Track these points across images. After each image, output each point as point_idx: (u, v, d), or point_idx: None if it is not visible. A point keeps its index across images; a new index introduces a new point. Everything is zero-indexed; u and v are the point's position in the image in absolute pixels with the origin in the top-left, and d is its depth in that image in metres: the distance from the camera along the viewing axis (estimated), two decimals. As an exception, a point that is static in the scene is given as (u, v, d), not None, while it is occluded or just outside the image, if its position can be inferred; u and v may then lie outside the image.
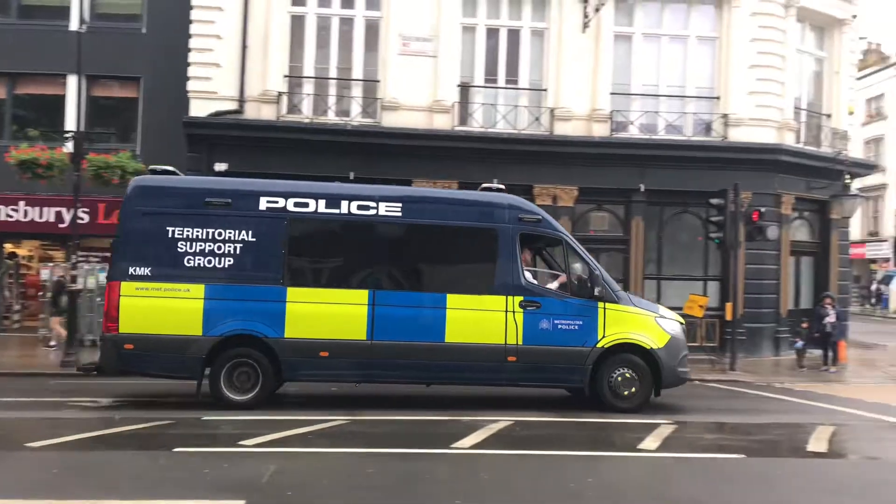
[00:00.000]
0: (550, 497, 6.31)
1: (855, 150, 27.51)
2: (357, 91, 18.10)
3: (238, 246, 10.15)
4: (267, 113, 17.54)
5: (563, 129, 18.19)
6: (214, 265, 10.12)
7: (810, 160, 19.10)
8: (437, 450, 7.84)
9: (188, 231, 10.10)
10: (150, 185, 10.62)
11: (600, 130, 18.26)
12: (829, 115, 20.35)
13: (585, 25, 18.11)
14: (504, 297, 10.35)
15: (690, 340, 13.62)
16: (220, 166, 16.79)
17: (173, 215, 10.19)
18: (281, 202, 10.36)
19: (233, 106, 17.40)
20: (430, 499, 6.23)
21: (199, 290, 10.02)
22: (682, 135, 18.37)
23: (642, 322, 10.81)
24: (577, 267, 11.06)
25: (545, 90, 18.44)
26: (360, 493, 6.31)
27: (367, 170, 16.57)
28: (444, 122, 17.91)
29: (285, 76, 17.76)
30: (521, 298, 10.38)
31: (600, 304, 10.59)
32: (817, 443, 8.66)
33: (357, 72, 18.06)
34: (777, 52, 18.76)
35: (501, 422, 9.32)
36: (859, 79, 38.33)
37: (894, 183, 43.53)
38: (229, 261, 10.14)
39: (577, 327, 10.53)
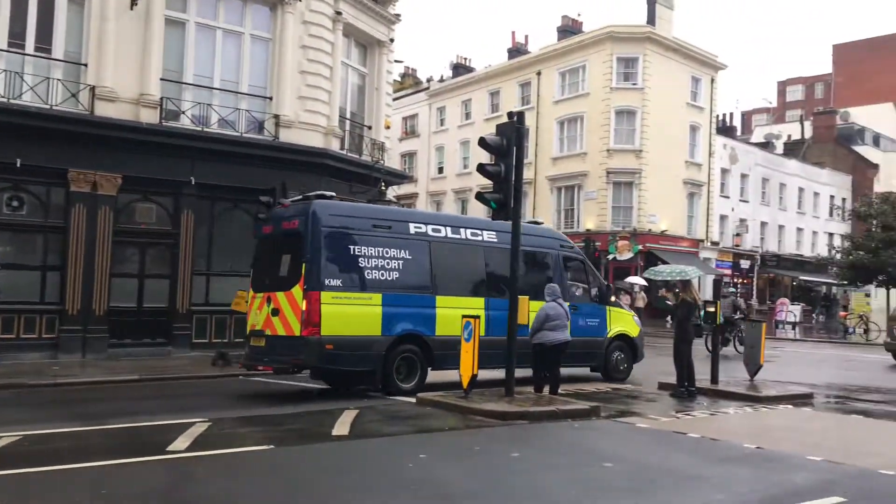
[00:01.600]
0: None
1: (392, 162, 30.86)
2: None
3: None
4: None
5: (106, 111, 16.70)
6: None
7: (353, 166, 20.75)
8: None
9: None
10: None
11: (149, 117, 17.23)
12: (370, 127, 22.41)
13: (133, 2, 16.90)
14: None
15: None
16: None
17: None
18: (423, 228, 13.13)
19: None
20: None
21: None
22: (235, 130, 18.34)
23: (627, 319, 15.93)
24: (593, 280, 15.57)
25: (85, 65, 16.70)
26: None
27: None
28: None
29: None
30: (569, 303, 13.21)
31: (608, 307, 15.40)
32: (341, 427, 9.32)
33: None
34: (325, 62, 19.96)
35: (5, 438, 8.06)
36: (397, 98, 43.38)
37: (423, 192, 50.27)
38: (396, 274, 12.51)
39: (597, 323, 15.06)
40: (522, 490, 6.75)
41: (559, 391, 12.19)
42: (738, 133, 58.76)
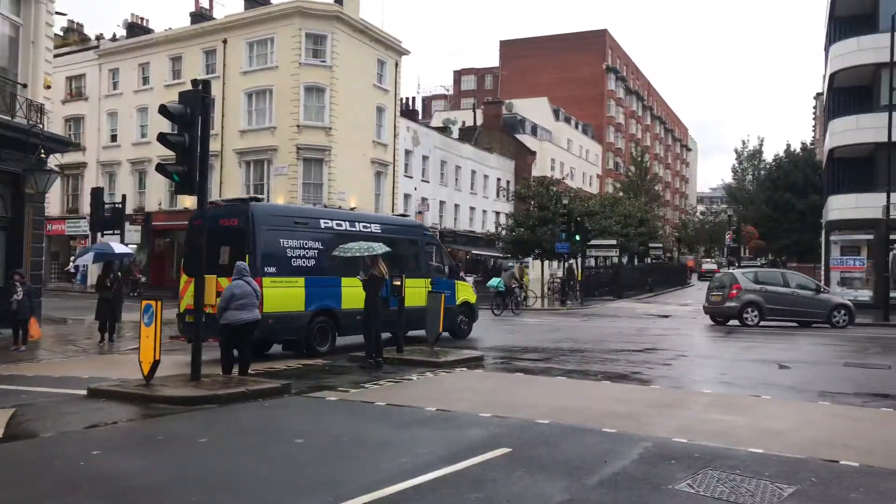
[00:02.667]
0: None
1: (54, 126, 27.37)
2: None
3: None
4: None
5: None
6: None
7: (4, 130, 17.99)
8: None
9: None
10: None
11: None
12: (24, 85, 19.57)
13: None
14: (425, 279, 17.81)
15: None
16: None
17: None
18: (330, 223, 16.31)
19: None
20: None
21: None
22: None
23: (469, 289, 20.17)
24: (445, 260, 19.69)
25: None
26: None
27: None
28: None
29: None
30: (429, 279, 17.93)
31: (456, 281, 19.53)
32: (-6, 429, 8.10)
33: None
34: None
35: None
36: (60, 55, 38.46)
37: (94, 162, 45.47)
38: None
39: (449, 294, 18.08)
40: (210, 476, 6.47)
41: (249, 371, 11.92)
42: (420, 117, 62.44)
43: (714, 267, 74.72)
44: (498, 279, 31.19)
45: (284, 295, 14.61)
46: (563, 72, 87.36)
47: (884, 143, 28.12)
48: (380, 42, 42.00)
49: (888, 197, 26.86)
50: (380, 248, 14.43)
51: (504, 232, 45.53)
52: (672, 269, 61.49)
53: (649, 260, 59.74)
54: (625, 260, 53.82)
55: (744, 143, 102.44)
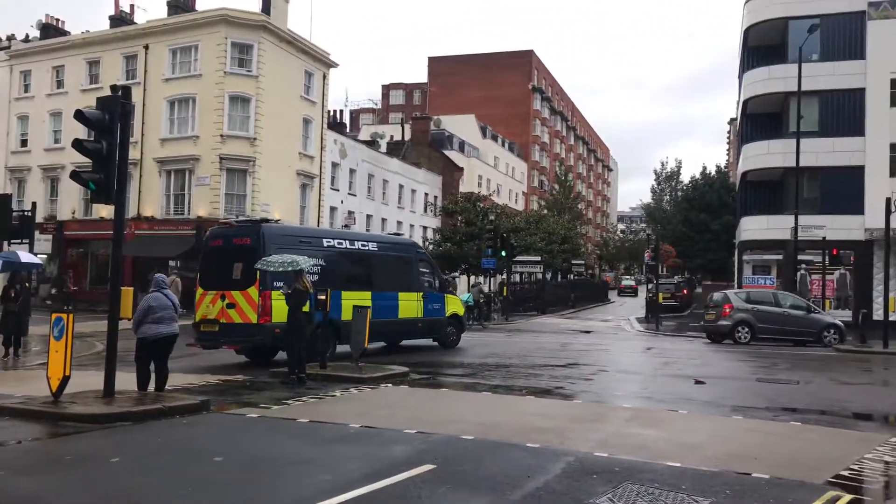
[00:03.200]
0: None
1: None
2: None
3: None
4: None
5: None
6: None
7: None
8: None
9: None
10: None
11: None
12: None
13: None
14: (417, 293, 19.87)
15: None
16: None
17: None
18: (332, 241, 17.93)
19: None
20: None
21: None
22: None
23: (457, 302, 21.86)
24: (436, 276, 21.20)
25: None
26: None
27: None
28: None
29: None
30: (421, 293, 19.92)
31: (445, 295, 21.04)
32: None
33: None
34: None
35: None
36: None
37: (1, 167, 43.33)
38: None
39: (439, 307, 20.56)
40: (123, 498, 6.19)
41: (167, 387, 11.51)
42: (348, 130, 62.13)
43: (632, 283, 77.28)
44: (468, 294, 32.84)
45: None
46: (490, 90, 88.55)
47: (792, 167, 29.66)
48: (307, 53, 41.64)
49: (796, 219, 28.28)
50: (305, 262, 14.28)
51: (431, 247, 45.69)
52: (594, 286, 62.95)
53: (572, 276, 60.94)
54: (549, 276, 54.76)
55: (662, 164, 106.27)
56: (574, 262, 58.66)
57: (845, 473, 7.54)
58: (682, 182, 78.59)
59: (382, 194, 52.43)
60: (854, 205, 31.93)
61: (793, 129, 30.56)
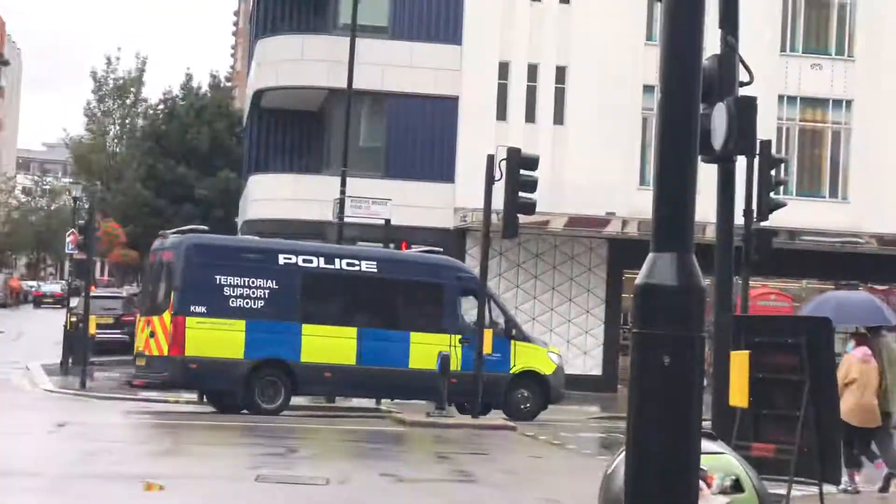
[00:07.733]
0: None
1: None
2: None
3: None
4: None
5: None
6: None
7: None
8: None
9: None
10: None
11: None
12: None
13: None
14: (450, 335, 15.15)
15: None
16: None
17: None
18: (294, 258, 14.72)
19: None
20: None
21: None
22: None
23: (539, 355, 16.22)
24: (495, 312, 15.75)
25: None
26: None
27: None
28: None
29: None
30: (460, 336, 15.12)
31: (512, 341, 15.88)
32: None
33: None
34: None
35: None
36: None
37: None
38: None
39: (498, 358, 15.15)
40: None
41: None
42: None
43: (58, 290, 47.93)
44: None
45: (215, 338, 13.81)
46: None
47: (342, 89, 15.15)
48: None
49: (343, 183, 13.63)
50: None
51: None
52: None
53: None
54: None
55: (109, 61, 52.19)
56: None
57: None
58: (146, 101, 50.91)
59: None
60: (442, 167, 19.39)
61: (346, 20, 18.19)
